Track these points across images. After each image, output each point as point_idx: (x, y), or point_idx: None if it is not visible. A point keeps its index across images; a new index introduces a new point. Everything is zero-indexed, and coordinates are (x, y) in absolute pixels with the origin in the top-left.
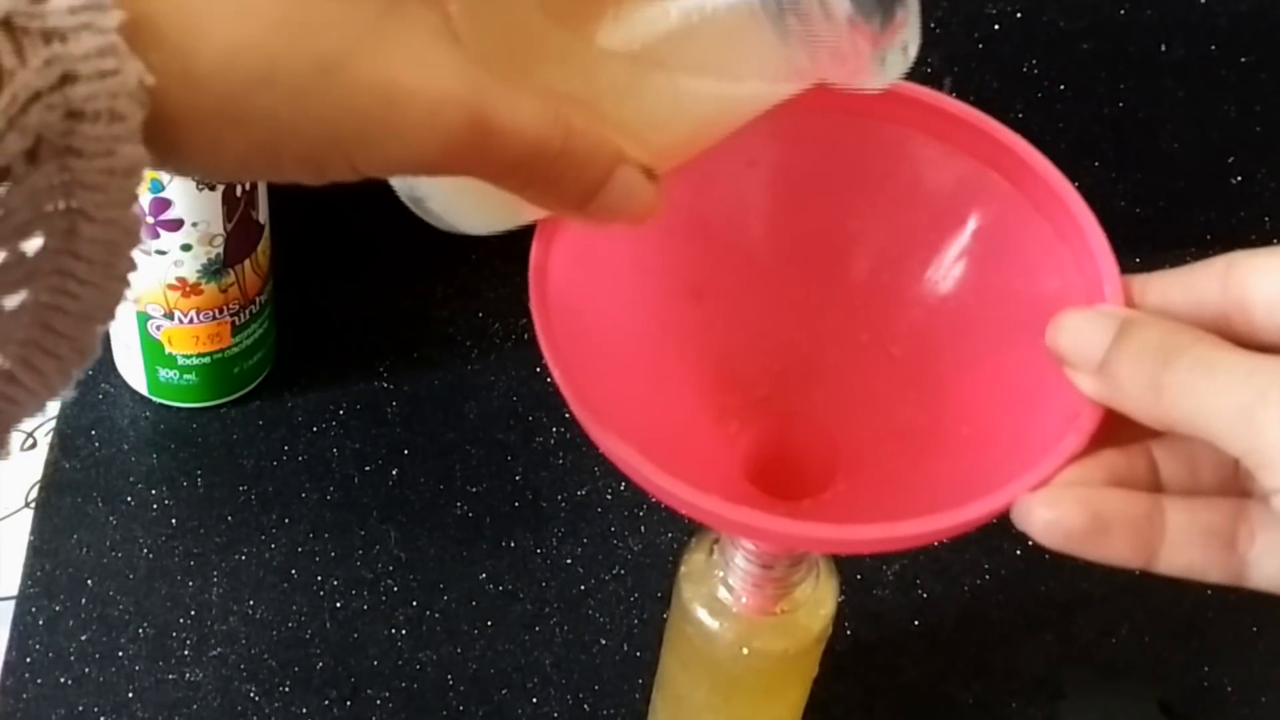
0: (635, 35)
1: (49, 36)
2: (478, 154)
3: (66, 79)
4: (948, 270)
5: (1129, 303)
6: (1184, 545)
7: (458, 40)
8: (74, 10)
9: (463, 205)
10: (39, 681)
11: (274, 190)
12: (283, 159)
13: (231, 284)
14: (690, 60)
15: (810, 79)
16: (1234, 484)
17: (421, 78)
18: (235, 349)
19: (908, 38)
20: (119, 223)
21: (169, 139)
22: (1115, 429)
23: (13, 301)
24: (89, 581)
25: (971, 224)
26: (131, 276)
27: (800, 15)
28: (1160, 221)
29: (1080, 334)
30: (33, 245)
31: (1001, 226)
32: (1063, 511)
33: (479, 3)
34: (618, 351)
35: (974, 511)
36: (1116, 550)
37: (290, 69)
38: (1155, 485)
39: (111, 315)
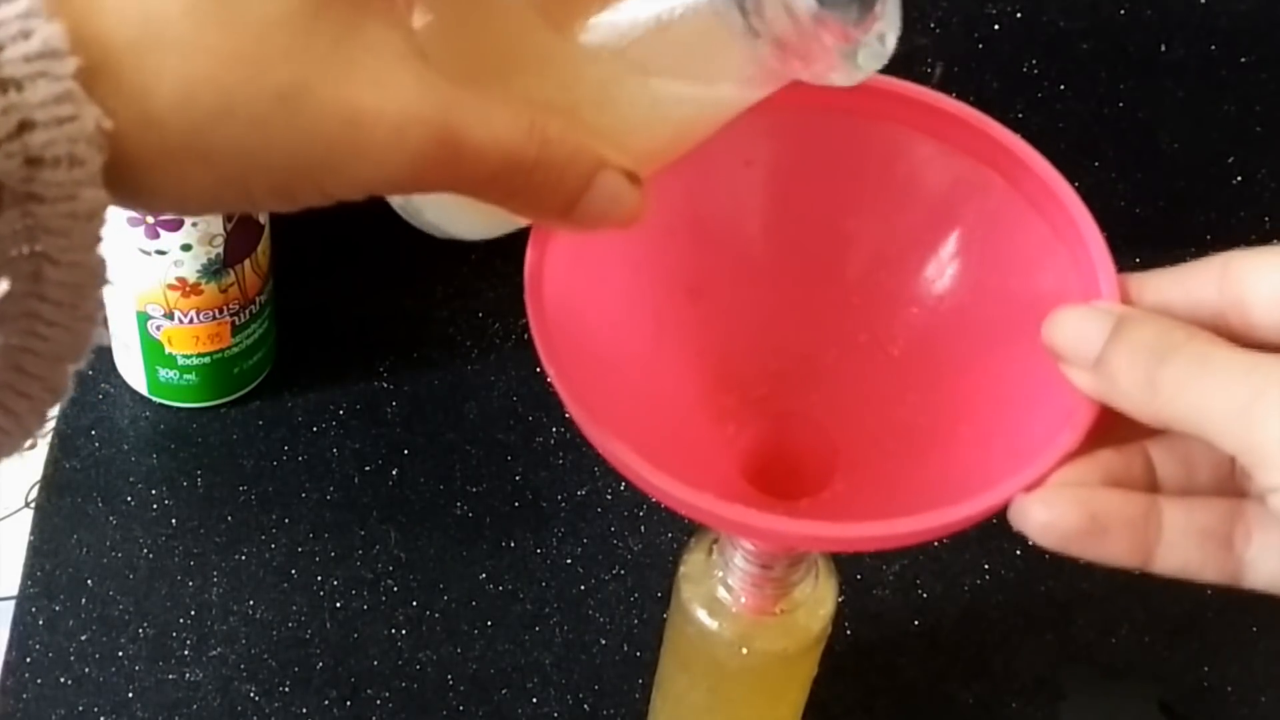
0: (608, 41)
1: (5, 85)
2: (450, 170)
3: (24, 126)
4: (945, 269)
5: (1126, 301)
6: (1181, 545)
7: (423, 58)
8: (29, 59)
9: (458, 213)
10: (39, 681)
11: None
12: (252, 191)
13: (231, 284)
14: (664, 63)
15: (784, 77)
16: (1231, 483)
17: (384, 99)
18: (235, 349)
19: (884, 28)
20: (84, 265)
21: (133, 179)
22: (1112, 428)
23: None
24: (89, 581)
25: (968, 223)
26: (100, 315)
27: (763, 15)
28: (1160, 221)
29: (1076, 330)
30: None
31: (998, 225)
32: (1059, 512)
33: (451, 16)
34: (614, 352)
35: (970, 509)
36: (1113, 550)
37: (248, 101)
38: (1152, 485)
39: (82, 354)
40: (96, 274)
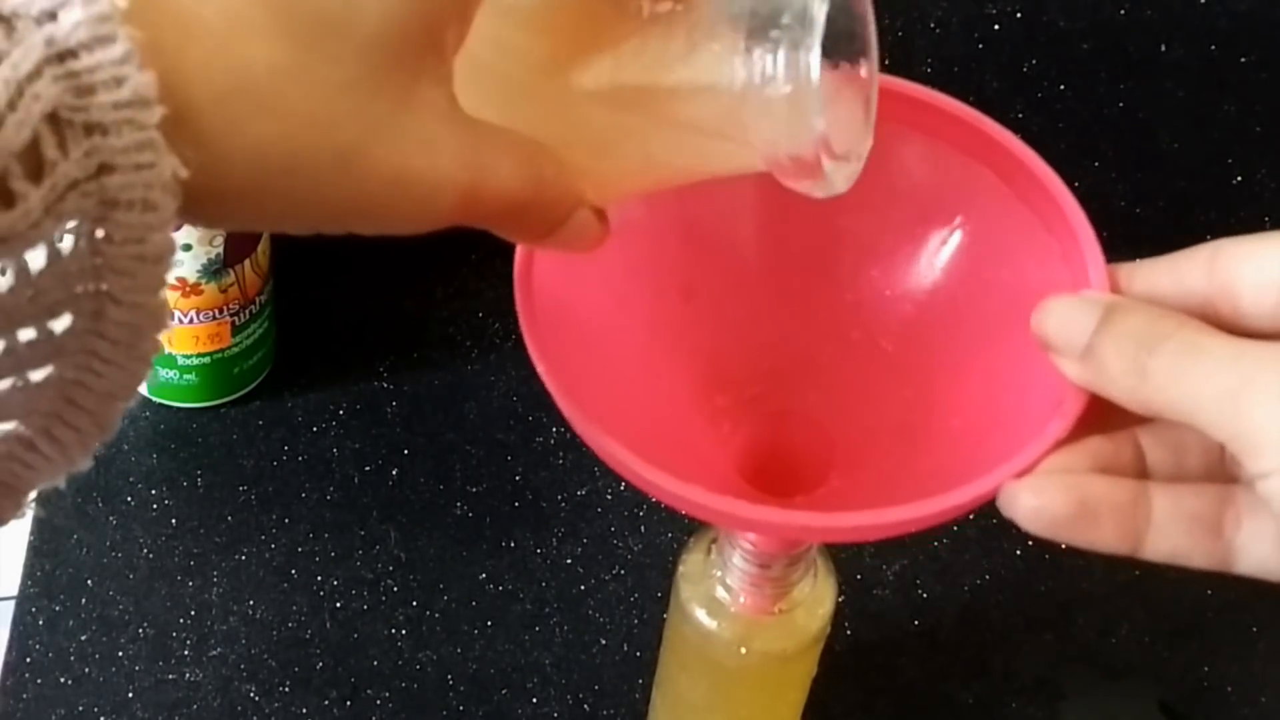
0: (617, 96)
1: (91, 129)
2: (462, 217)
3: (104, 169)
4: (936, 264)
5: (1115, 291)
6: (1170, 531)
7: (459, 112)
8: (118, 106)
9: None
10: (39, 681)
11: None
12: (285, 225)
13: (231, 284)
14: (663, 129)
15: (763, 168)
16: (1220, 470)
17: (426, 164)
18: (235, 349)
19: (864, 150)
20: (145, 307)
21: (187, 210)
22: (1102, 416)
23: (39, 375)
24: (89, 581)
25: (959, 217)
26: (153, 359)
27: (774, 117)
28: (1160, 221)
29: (1065, 319)
30: (61, 324)
31: (988, 219)
32: (1049, 498)
33: (468, 54)
34: (608, 352)
35: (959, 497)
36: (1102, 536)
37: (312, 161)
38: (1142, 472)
39: (133, 394)
40: (157, 317)
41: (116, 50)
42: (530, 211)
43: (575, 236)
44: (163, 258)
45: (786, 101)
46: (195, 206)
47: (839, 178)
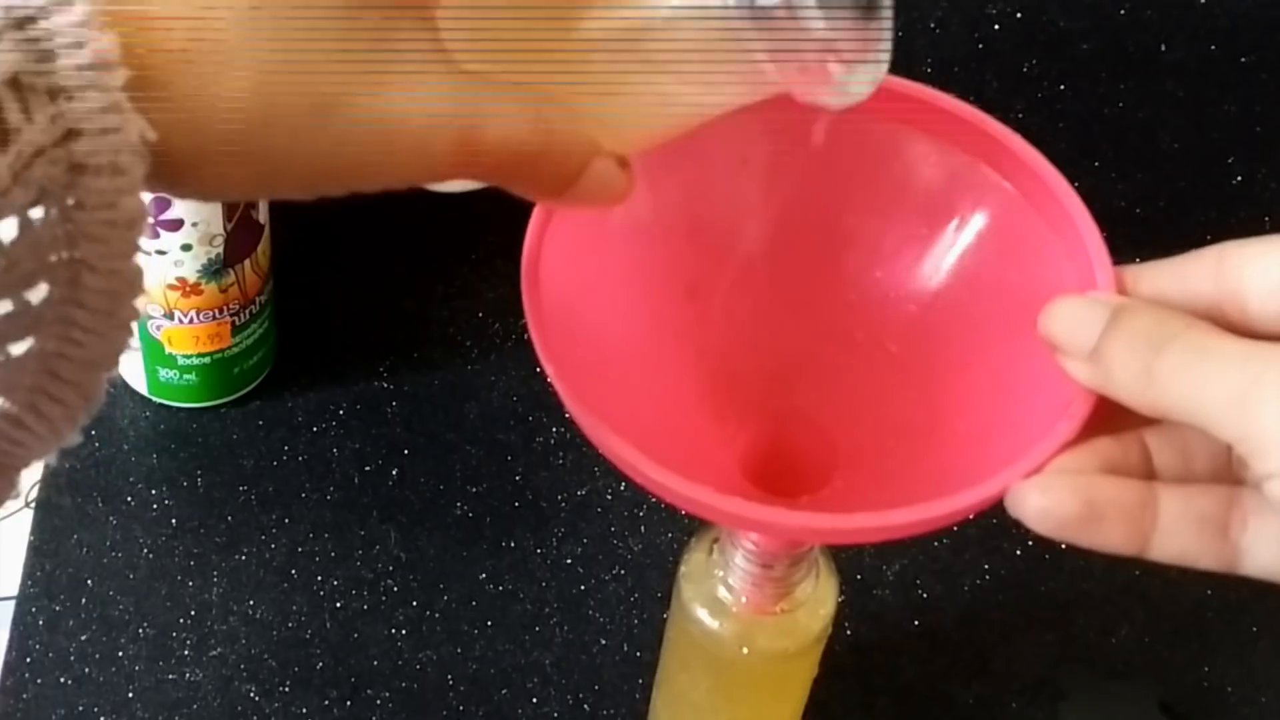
0: (616, 34)
1: (55, 94)
2: (465, 167)
3: (70, 134)
4: (941, 265)
5: (1122, 293)
6: (1177, 532)
7: (446, 56)
8: (81, 69)
9: None
10: (39, 681)
11: None
12: (279, 186)
13: (231, 284)
14: (667, 61)
15: (778, 88)
16: (1227, 471)
17: (412, 110)
18: (235, 349)
19: (879, 58)
20: (121, 273)
21: (171, 175)
22: (1109, 417)
23: (19, 349)
24: (89, 581)
25: (964, 218)
26: (134, 325)
27: (772, 28)
28: (1160, 221)
29: (1073, 320)
30: (38, 294)
31: (994, 220)
32: (1056, 498)
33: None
34: (613, 352)
35: (966, 499)
36: (1109, 537)
37: (288, 112)
38: (1149, 473)
39: (115, 362)
40: (133, 282)
41: (75, 13)
42: (543, 163)
43: (598, 188)
44: (135, 222)
45: (780, 10)
46: (178, 173)
47: (855, 84)
